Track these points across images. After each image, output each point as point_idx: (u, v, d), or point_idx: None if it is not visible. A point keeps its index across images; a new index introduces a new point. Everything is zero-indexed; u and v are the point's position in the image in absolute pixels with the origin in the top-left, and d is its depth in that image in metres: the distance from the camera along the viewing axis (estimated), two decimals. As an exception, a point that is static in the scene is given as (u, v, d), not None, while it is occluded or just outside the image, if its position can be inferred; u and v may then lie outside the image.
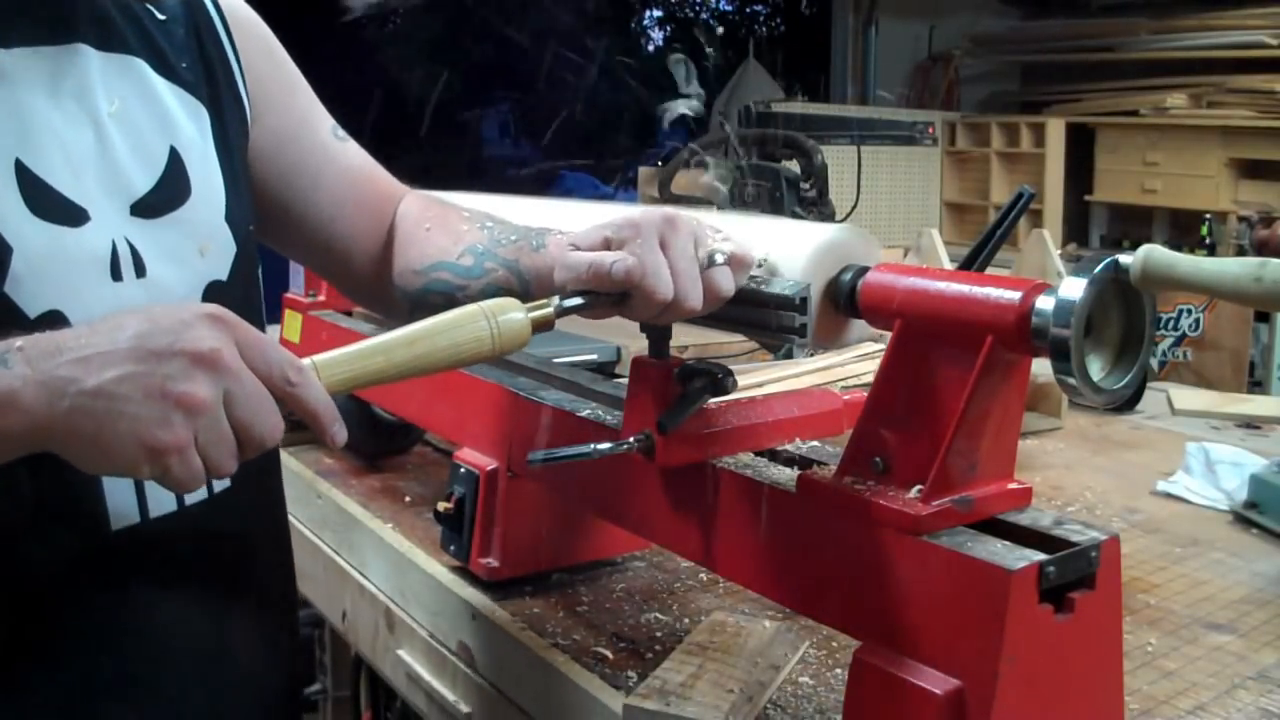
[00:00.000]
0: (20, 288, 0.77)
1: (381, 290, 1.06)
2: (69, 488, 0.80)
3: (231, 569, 0.93)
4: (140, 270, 0.85)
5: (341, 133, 1.07)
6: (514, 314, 0.78)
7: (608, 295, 0.81)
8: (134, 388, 0.65)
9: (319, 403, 0.71)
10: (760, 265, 0.85)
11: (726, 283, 0.82)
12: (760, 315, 0.84)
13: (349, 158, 1.06)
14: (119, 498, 0.83)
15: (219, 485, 0.90)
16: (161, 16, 0.91)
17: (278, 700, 1.01)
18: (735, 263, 0.82)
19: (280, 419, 0.69)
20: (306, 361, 0.72)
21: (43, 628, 0.83)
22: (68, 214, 0.81)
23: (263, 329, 0.92)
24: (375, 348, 0.75)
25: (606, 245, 0.82)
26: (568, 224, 0.95)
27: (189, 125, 0.91)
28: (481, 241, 0.97)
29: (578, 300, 0.82)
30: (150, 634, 0.87)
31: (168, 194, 0.88)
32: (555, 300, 0.81)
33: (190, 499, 0.88)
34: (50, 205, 0.80)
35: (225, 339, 0.67)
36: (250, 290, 0.96)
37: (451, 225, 1.01)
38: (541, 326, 0.80)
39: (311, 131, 1.04)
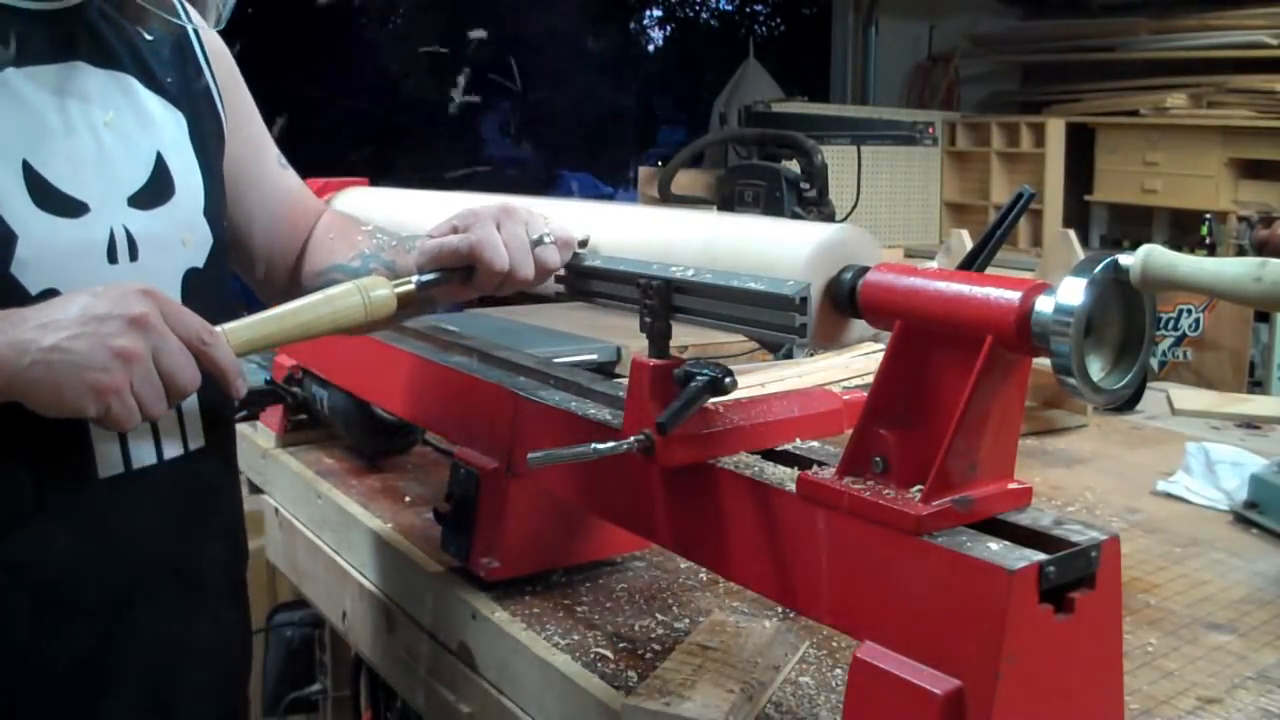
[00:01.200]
0: (25, 270, 0.91)
1: (289, 287, 1.22)
2: (61, 440, 0.94)
3: (200, 509, 1.08)
4: (134, 254, 0.98)
5: (284, 161, 1.25)
6: (382, 289, 0.99)
7: (456, 271, 1.00)
8: (82, 344, 0.82)
9: (227, 360, 0.89)
10: (582, 246, 1.03)
11: (553, 257, 1.01)
12: (760, 315, 0.84)
13: (289, 183, 1.24)
14: (106, 448, 0.97)
15: (194, 444, 1.05)
16: (150, 38, 1.05)
17: (236, 622, 1.16)
18: (560, 243, 1.01)
19: (197, 371, 0.87)
20: (217, 328, 0.90)
21: (29, 560, 0.95)
22: (68, 207, 0.94)
23: (231, 309, 1.05)
24: (271, 316, 0.95)
25: (453, 231, 1.01)
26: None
27: (172, 132, 1.05)
28: (369, 247, 1.15)
29: (432, 276, 1.01)
30: (125, 562, 1.00)
31: (155, 191, 1.01)
32: (415, 277, 1.01)
33: (168, 453, 1.02)
34: (53, 200, 0.93)
35: (152, 306, 0.85)
36: (223, 276, 1.11)
37: (350, 235, 1.19)
38: (406, 300, 1.00)
39: (263, 158, 1.21)
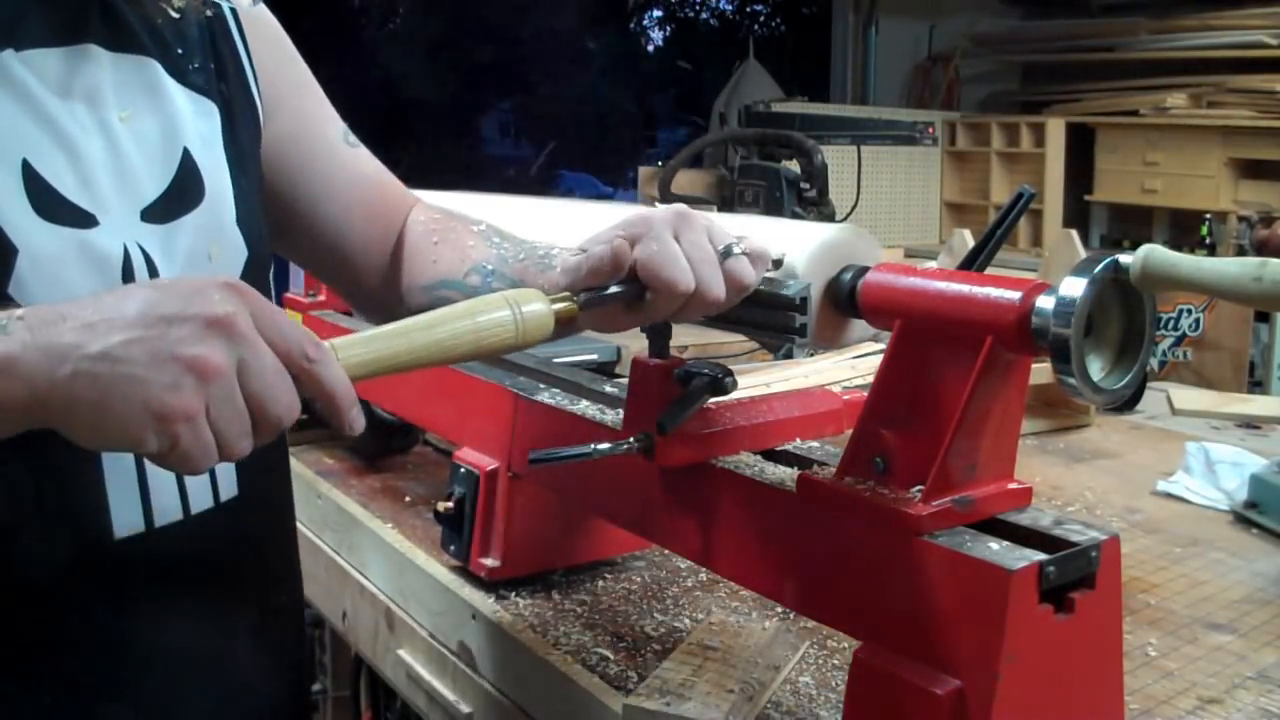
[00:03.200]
0: (24, 289, 0.75)
1: (388, 303, 1.04)
2: (72, 495, 0.79)
3: (237, 579, 0.91)
4: (153, 274, 0.83)
5: (353, 138, 1.04)
6: (537, 304, 0.76)
7: (626, 289, 0.80)
8: (142, 351, 0.61)
9: (337, 383, 0.67)
10: (776, 265, 0.83)
11: (747, 272, 0.80)
12: (760, 315, 0.84)
13: (359, 164, 1.04)
14: (123, 505, 0.81)
15: (225, 492, 0.88)
16: (175, 14, 0.89)
17: (281, 710, 1.00)
18: (752, 256, 0.81)
19: (297, 397, 0.65)
20: (325, 343, 0.69)
21: (43, 636, 0.81)
22: (75, 216, 0.79)
23: None
24: (395, 331, 0.72)
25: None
26: (568, 225, 0.95)
27: (201, 128, 0.89)
28: (489, 260, 0.95)
29: (599, 293, 0.80)
30: (151, 643, 0.85)
31: (179, 198, 0.86)
32: (581, 294, 0.80)
33: (196, 507, 0.85)
34: (57, 207, 0.78)
35: (240, 306, 0.64)
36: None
37: (459, 241, 0.99)
38: (565, 320, 0.79)
39: (321, 135, 1.02)
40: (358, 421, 0.69)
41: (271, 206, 0.99)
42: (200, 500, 0.86)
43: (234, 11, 0.96)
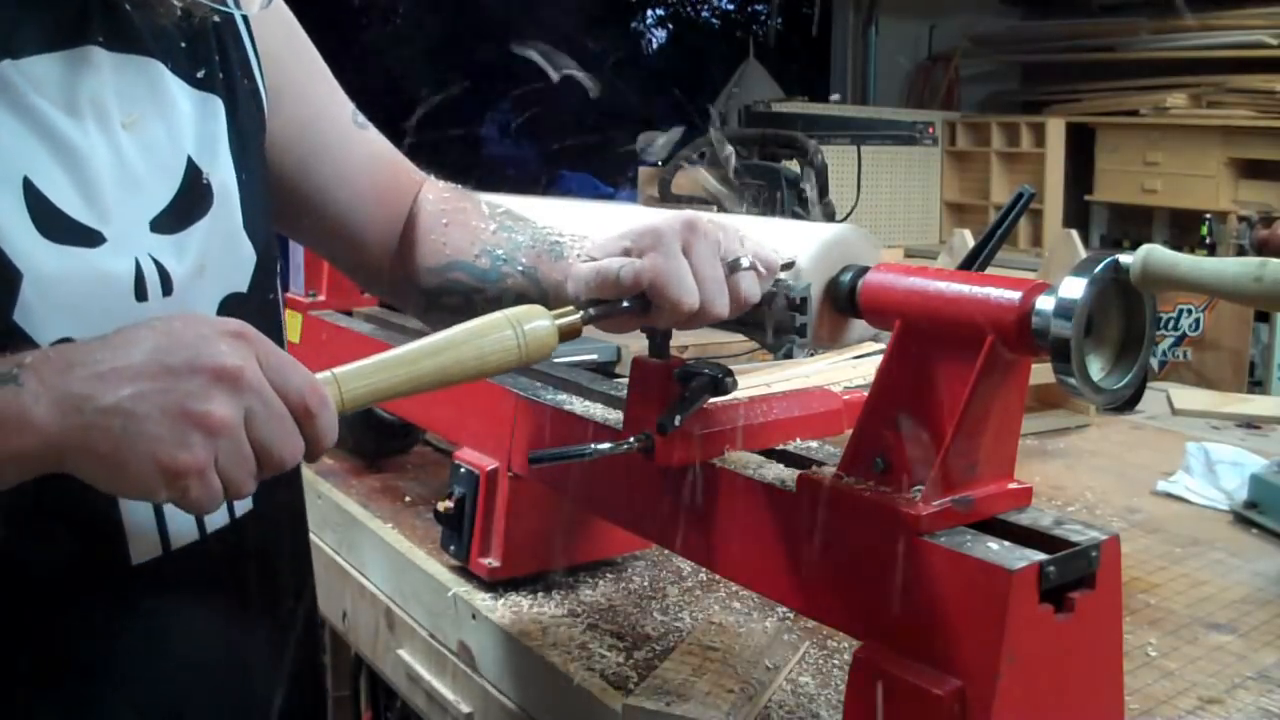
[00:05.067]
0: (30, 315, 0.72)
1: (397, 282, 1.03)
2: (87, 524, 0.78)
3: (252, 593, 0.90)
4: (167, 288, 0.80)
5: (362, 119, 1.03)
6: (540, 321, 0.76)
7: (632, 303, 0.80)
8: (152, 406, 0.62)
9: (327, 433, 0.68)
10: (786, 269, 0.82)
11: (752, 289, 0.80)
12: (760, 315, 0.84)
13: (370, 145, 1.03)
14: (139, 532, 0.80)
15: (240, 508, 0.88)
16: (176, 4, 0.83)
17: (296, 717, 0.98)
18: (760, 268, 0.81)
19: (300, 443, 0.67)
20: (328, 374, 0.70)
21: (62, 663, 0.80)
22: (81, 235, 0.76)
23: (282, 338, 0.90)
24: (399, 359, 0.73)
25: (627, 255, 0.80)
26: (575, 225, 0.95)
27: (206, 130, 0.87)
28: (500, 245, 0.94)
29: (602, 309, 0.80)
30: (168, 661, 0.84)
31: (187, 207, 0.83)
32: (582, 308, 0.80)
33: (211, 524, 0.85)
34: (61, 226, 0.75)
35: (247, 355, 0.65)
36: (268, 300, 0.91)
37: (469, 222, 0.98)
38: (568, 335, 0.79)
39: (331, 118, 1.00)
40: (316, 459, 0.71)
41: (282, 191, 0.97)
42: (215, 518, 0.85)
43: (244, 17, 0.94)
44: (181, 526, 0.83)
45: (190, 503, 0.64)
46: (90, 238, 0.77)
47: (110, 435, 0.62)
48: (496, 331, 0.75)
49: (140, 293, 0.79)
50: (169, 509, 0.81)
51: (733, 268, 0.80)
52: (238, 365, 0.64)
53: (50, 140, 0.76)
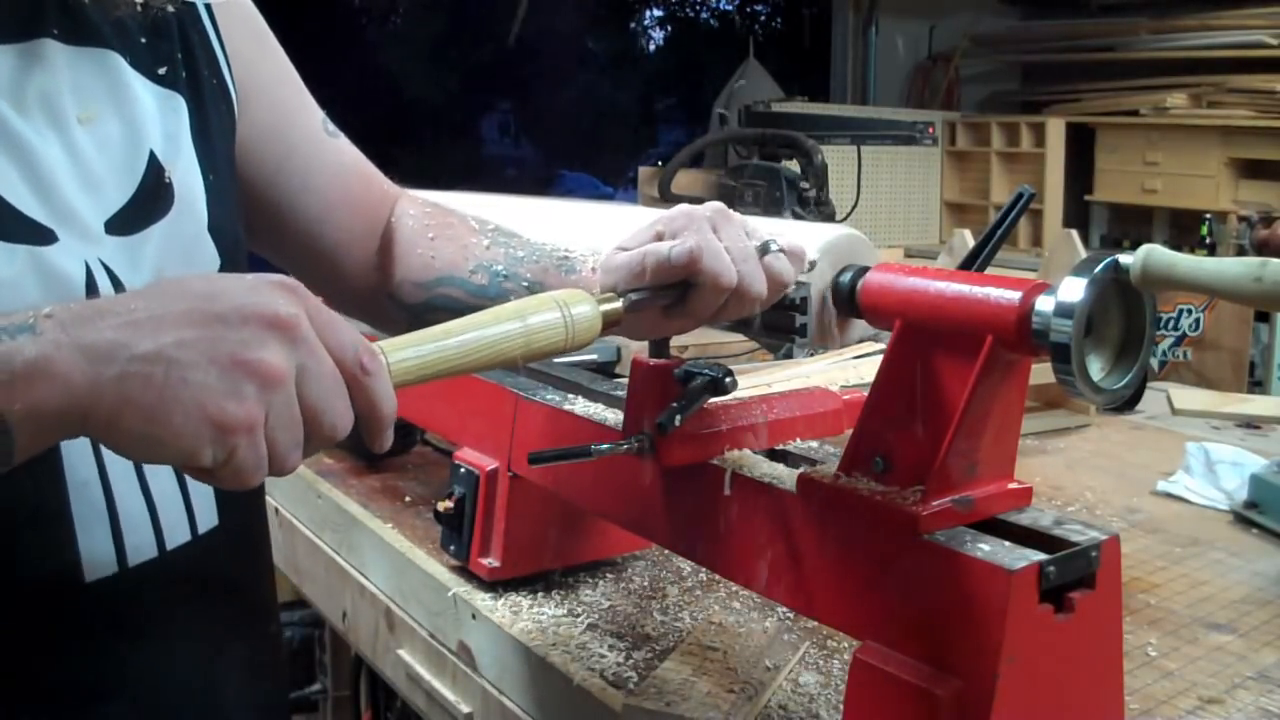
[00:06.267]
0: None
1: (375, 301, 0.99)
2: (37, 538, 0.73)
3: (216, 615, 0.86)
4: (118, 290, 0.76)
5: (332, 127, 0.99)
6: (584, 306, 0.74)
7: (670, 288, 0.79)
8: (199, 353, 0.55)
9: (385, 399, 0.63)
10: (811, 268, 0.82)
11: (786, 270, 0.80)
12: (760, 315, 0.84)
13: (340, 154, 0.99)
14: (94, 546, 0.75)
15: (204, 523, 0.83)
16: (139, 2, 0.81)
17: None
18: (790, 254, 0.80)
19: (350, 410, 0.61)
20: (373, 346, 0.64)
21: (14, 684, 0.76)
22: (31, 233, 0.71)
23: None
24: (446, 332, 0.68)
25: (659, 239, 0.80)
26: (570, 225, 0.94)
27: (169, 127, 0.83)
28: (497, 260, 0.92)
29: (644, 293, 0.79)
30: (126, 685, 0.80)
31: (146, 207, 0.79)
32: (622, 295, 0.78)
33: (172, 540, 0.80)
34: (11, 224, 0.70)
35: (301, 309, 0.59)
36: None
37: (459, 236, 0.95)
38: (610, 322, 0.76)
39: (301, 125, 0.96)
40: (389, 440, 0.65)
41: (251, 203, 0.94)
42: (177, 534, 0.80)
43: (207, 6, 0.90)
44: (139, 541, 0.78)
45: (232, 467, 0.57)
46: (41, 235, 0.72)
47: (152, 384, 0.55)
48: (545, 311, 0.72)
49: (91, 294, 0.74)
50: (126, 522, 0.76)
51: (764, 250, 0.79)
52: (293, 314, 0.58)
53: (1, 137, 0.72)
